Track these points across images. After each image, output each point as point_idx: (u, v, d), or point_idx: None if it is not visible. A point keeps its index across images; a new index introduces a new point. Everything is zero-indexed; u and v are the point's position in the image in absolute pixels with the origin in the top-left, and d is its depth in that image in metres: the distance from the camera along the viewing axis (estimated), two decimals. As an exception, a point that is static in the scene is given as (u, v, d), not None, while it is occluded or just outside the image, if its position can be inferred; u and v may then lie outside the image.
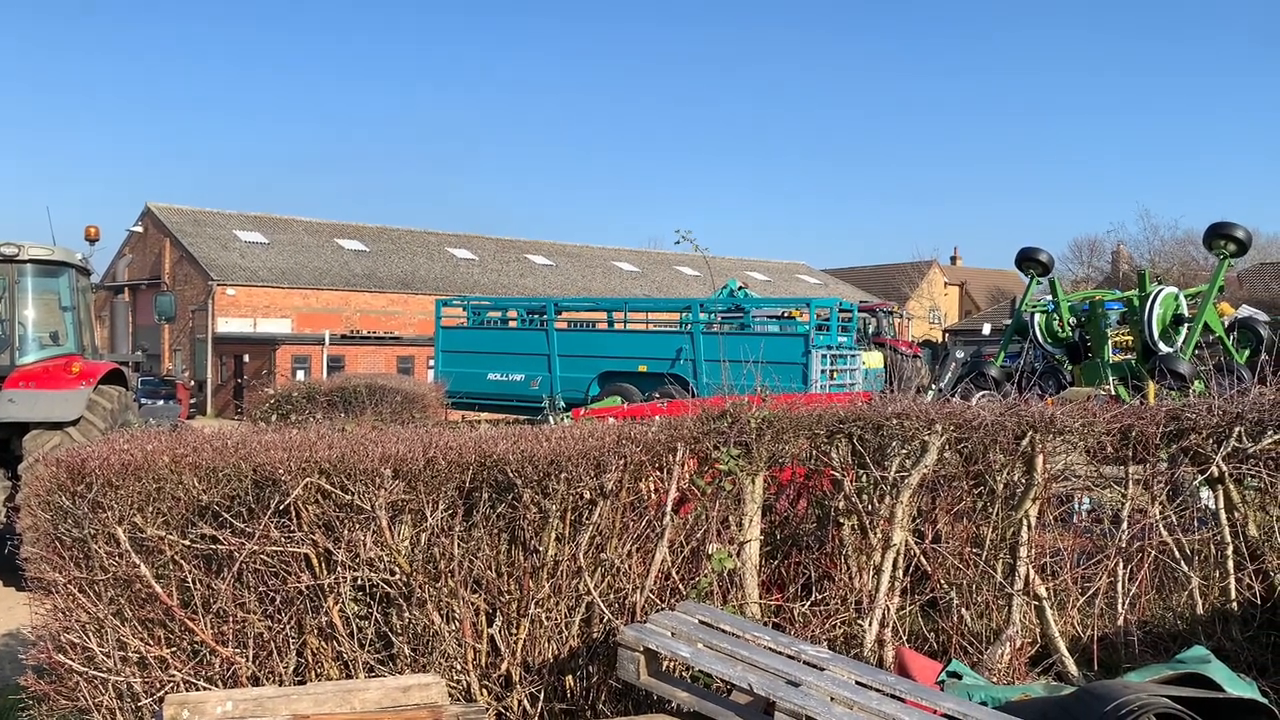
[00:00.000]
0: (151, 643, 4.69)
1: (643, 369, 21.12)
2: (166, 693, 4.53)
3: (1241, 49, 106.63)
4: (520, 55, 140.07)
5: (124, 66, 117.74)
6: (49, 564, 4.75)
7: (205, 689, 4.61)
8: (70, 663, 4.66)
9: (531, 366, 22.50)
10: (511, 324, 24.93)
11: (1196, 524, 5.79)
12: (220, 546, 4.66)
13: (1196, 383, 14.19)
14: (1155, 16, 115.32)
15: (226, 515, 4.68)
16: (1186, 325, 16.34)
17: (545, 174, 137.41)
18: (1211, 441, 5.55)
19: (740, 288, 28.60)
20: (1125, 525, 5.58)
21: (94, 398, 9.76)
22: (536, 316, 23.81)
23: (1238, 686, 4.24)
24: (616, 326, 23.82)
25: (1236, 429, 5.50)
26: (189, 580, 4.71)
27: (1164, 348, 16.09)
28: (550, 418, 15.69)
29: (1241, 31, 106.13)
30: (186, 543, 4.70)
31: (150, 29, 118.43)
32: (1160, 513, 5.60)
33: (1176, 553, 5.61)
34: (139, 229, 43.78)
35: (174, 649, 4.71)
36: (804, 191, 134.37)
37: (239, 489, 4.69)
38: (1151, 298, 16.32)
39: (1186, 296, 17.26)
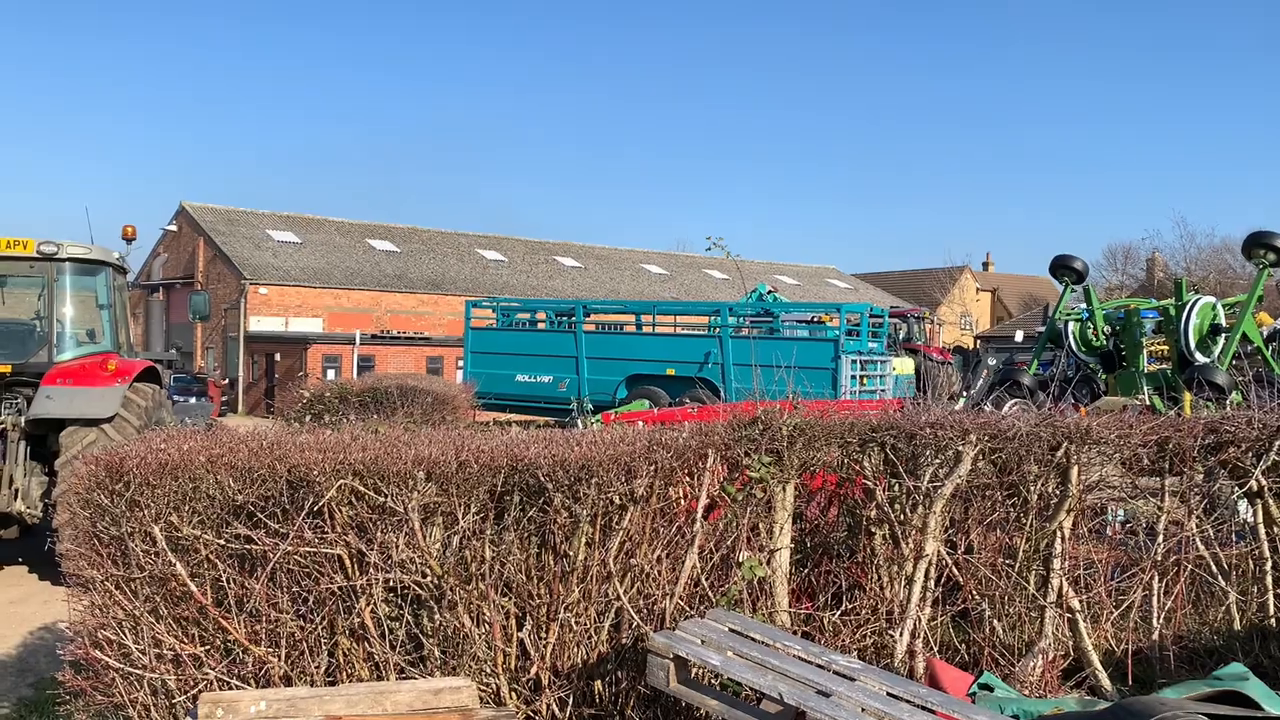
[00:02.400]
0: (186, 640, 4.73)
1: (670, 372, 21.10)
2: (200, 690, 4.58)
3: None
4: (550, 58, 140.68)
5: (160, 67, 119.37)
6: (87, 561, 4.80)
7: (238, 687, 4.65)
8: (106, 659, 4.72)
9: (559, 368, 22.54)
10: (540, 326, 25.00)
11: (1234, 538, 5.72)
12: (254, 546, 4.70)
13: (1234, 394, 13.99)
14: (1191, 22, 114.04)
15: (261, 515, 4.72)
16: (1224, 335, 16.11)
17: (575, 176, 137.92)
18: (1251, 455, 5.48)
19: (770, 292, 28.52)
20: (1161, 538, 5.52)
21: (129, 395, 9.87)
22: (565, 318, 23.85)
23: (1277, 705, 4.18)
24: (645, 329, 23.83)
25: (1277, 442, 5.43)
26: (223, 579, 4.75)
27: (1201, 358, 15.88)
28: (579, 421, 15.72)
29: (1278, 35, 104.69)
30: (221, 542, 4.74)
31: (185, 29, 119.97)
32: (1197, 526, 5.54)
33: (1213, 567, 5.54)
34: (173, 228, 44.28)
35: (208, 647, 4.76)
36: (834, 195, 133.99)
37: (274, 489, 4.73)
38: (1188, 307, 16.12)
39: (1224, 306, 17.02)
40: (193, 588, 4.70)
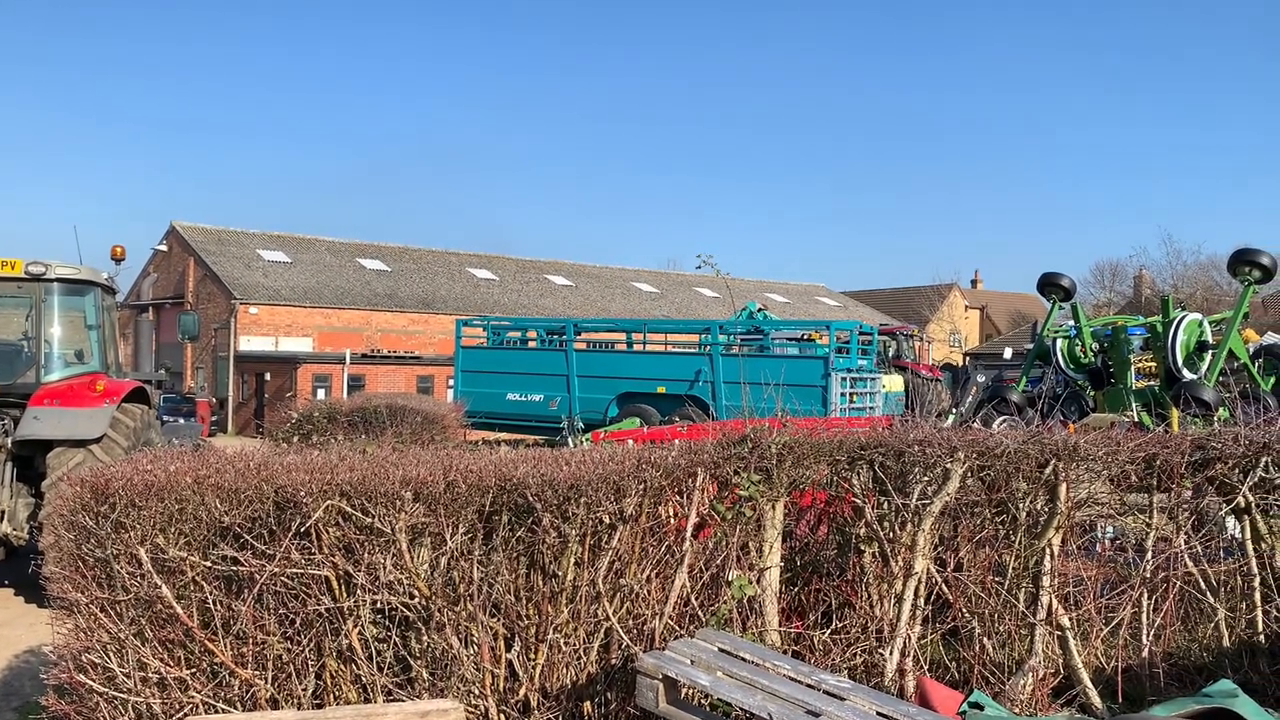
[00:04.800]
0: (171, 663, 4.69)
1: (661, 390, 21.12)
2: (185, 714, 4.54)
3: (1270, 69, 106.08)
4: (540, 76, 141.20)
5: (150, 88, 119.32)
6: (71, 584, 4.76)
7: (224, 711, 4.61)
8: (90, 682, 4.67)
9: (550, 387, 22.55)
10: (531, 344, 25.01)
11: (1223, 554, 5.73)
12: (241, 568, 4.67)
13: (1221, 410, 14.05)
14: (1179, 35, 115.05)
15: (248, 537, 4.69)
16: (1211, 352, 16.20)
17: (566, 194, 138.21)
18: (1238, 471, 5.50)
19: (760, 309, 28.58)
20: (1150, 555, 5.53)
21: (117, 416, 9.82)
22: (556, 337, 23.87)
23: (1266, 722, 4.17)
24: (635, 348, 23.86)
25: (1263, 459, 5.45)
26: (210, 601, 4.72)
27: (1188, 374, 15.96)
28: (569, 439, 15.69)
29: (1271, 52, 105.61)
30: (208, 564, 4.71)
31: (175, 49, 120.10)
32: (1185, 543, 5.55)
33: (1202, 583, 5.55)
34: (164, 248, 44.17)
35: (194, 670, 4.72)
36: (823, 213, 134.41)
37: (261, 510, 4.71)
38: (1175, 324, 16.21)
39: (1211, 323, 17.12)
40: (179, 610, 4.66)
